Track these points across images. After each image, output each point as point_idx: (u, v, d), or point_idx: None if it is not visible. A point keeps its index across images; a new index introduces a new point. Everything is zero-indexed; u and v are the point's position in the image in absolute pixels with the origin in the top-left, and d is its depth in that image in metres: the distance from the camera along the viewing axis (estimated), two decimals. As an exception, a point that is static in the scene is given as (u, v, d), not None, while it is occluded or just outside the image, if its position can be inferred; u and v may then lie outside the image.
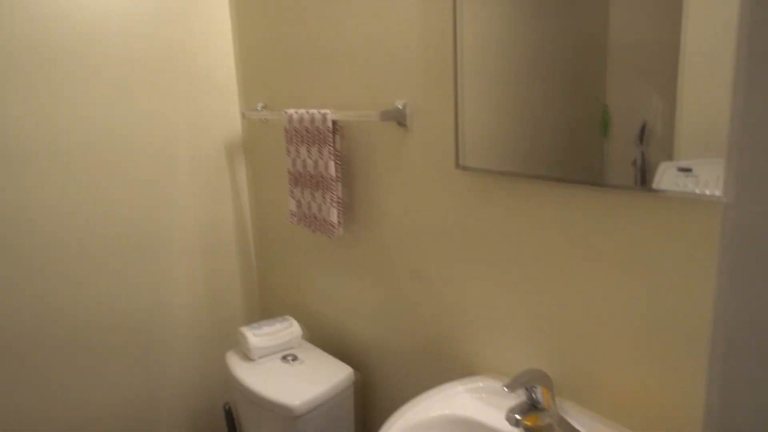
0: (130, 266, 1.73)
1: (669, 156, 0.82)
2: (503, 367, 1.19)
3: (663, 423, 0.92)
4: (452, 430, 1.07)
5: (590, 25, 0.88)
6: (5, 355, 1.54)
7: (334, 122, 1.39)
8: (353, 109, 1.43)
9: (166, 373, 1.86)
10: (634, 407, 0.96)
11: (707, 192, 0.78)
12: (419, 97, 1.25)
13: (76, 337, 1.66)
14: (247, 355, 1.61)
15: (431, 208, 1.28)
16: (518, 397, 0.98)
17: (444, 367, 1.34)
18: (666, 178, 0.83)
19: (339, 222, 1.45)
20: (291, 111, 1.51)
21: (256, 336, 1.59)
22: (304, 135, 1.48)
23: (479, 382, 1.16)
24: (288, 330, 1.64)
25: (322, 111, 1.41)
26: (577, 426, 0.96)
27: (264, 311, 2.07)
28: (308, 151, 1.47)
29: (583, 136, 0.92)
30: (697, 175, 0.80)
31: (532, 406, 0.94)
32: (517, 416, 0.92)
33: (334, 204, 1.44)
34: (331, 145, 1.40)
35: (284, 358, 1.60)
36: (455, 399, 1.13)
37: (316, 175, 1.47)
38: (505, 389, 0.94)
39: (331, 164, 1.41)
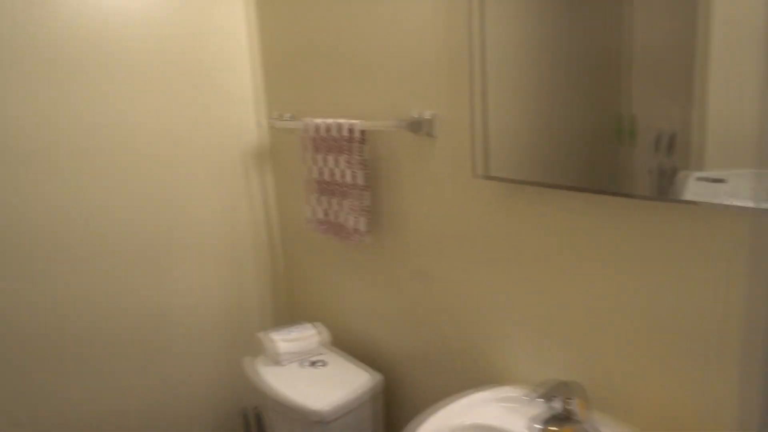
0: (152, 270, 1.76)
1: (694, 165, 0.82)
2: (531, 376, 1.19)
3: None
4: (481, 440, 1.08)
5: (611, 32, 0.88)
6: (23, 359, 1.57)
7: (359, 131, 1.40)
8: (376, 117, 1.44)
9: (187, 376, 1.89)
10: (667, 419, 0.96)
11: (735, 202, 0.78)
12: (443, 106, 1.26)
13: (97, 339, 1.68)
14: (273, 360, 1.63)
15: (455, 215, 1.29)
16: (550, 408, 0.98)
17: (469, 374, 1.35)
18: (691, 187, 0.83)
19: (363, 230, 1.46)
20: (317, 120, 1.53)
21: (283, 341, 1.61)
22: (329, 144, 1.49)
23: (509, 392, 1.16)
24: (314, 335, 1.66)
25: (348, 120, 1.42)
26: (610, 437, 0.97)
27: (289, 316, 2.09)
28: (334, 160, 1.49)
29: (605, 144, 0.92)
30: (724, 184, 0.79)
31: (565, 417, 0.94)
32: (552, 427, 0.92)
33: (361, 212, 1.45)
34: (357, 154, 1.41)
35: (310, 363, 1.61)
36: (482, 407, 1.14)
37: (341, 184, 1.49)
38: (539, 400, 0.94)
39: (357, 173, 1.42)
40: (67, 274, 1.60)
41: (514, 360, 1.23)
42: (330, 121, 1.49)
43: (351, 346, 1.76)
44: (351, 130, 1.41)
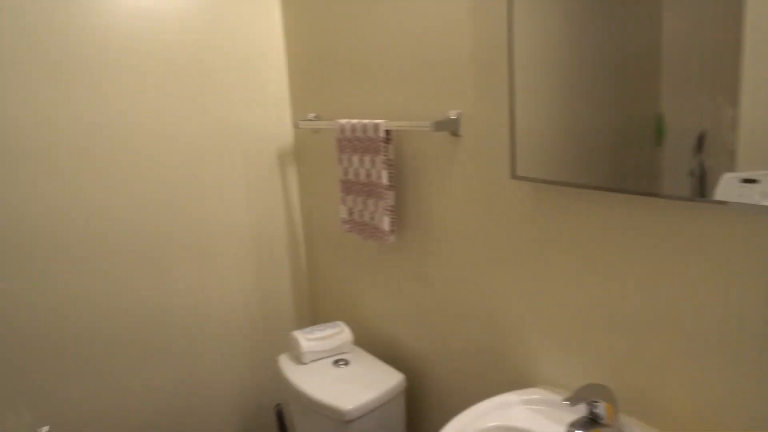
0: (182, 267, 1.79)
1: (726, 165, 0.80)
2: (559, 379, 1.18)
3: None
4: (509, 442, 1.07)
5: (642, 30, 0.87)
6: (58, 350, 1.61)
7: (386, 131, 1.41)
8: (404, 117, 1.44)
9: (215, 373, 1.92)
10: (697, 422, 0.94)
11: (769, 203, 0.76)
12: (471, 106, 1.25)
13: (127, 334, 1.72)
14: (298, 359, 1.64)
15: (481, 215, 1.29)
16: (578, 412, 0.97)
17: (494, 375, 1.35)
18: (728, 188, 0.80)
19: (391, 230, 1.47)
20: (343, 121, 1.54)
21: (308, 340, 1.62)
22: (356, 144, 1.50)
23: (535, 394, 1.16)
24: (339, 334, 1.67)
25: (375, 121, 1.42)
26: (639, 442, 0.95)
27: (314, 316, 2.11)
28: (360, 160, 1.49)
29: (635, 144, 0.90)
30: (758, 184, 0.77)
31: (593, 422, 0.93)
32: (579, 431, 0.91)
33: (387, 212, 1.45)
34: (384, 154, 1.41)
35: (335, 362, 1.62)
36: (510, 410, 1.13)
37: (368, 184, 1.49)
38: (566, 403, 0.93)
39: (384, 173, 1.43)
40: (111, 268, 1.65)
41: (540, 362, 1.22)
42: (355, 121, 1.49)
43: (374, 345, 1.77)
44: (377, 130, 1.41)
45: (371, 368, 1.58)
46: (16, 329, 1.53)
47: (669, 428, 0.99)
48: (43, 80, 1.49)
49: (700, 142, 0.83)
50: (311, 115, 1.81)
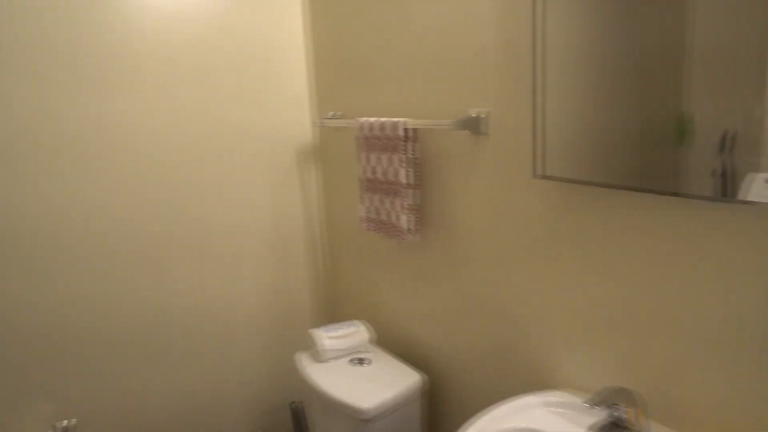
0: (202, 264, 1.81)
1: (756, 165, 0.78)
2: (580, 381, 1.16)
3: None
4: (529, 444, 1.06)
5: (672, 29, 0.85)
6: (74, 347, 1.64)
7: (408, 130, 1.40)
8: (427, 116, 1.44)
9: (234, 370, 1.93)
10: (726, 429, 0.92)
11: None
12: (495, 104, 1.24)
13: (147, 331, 1.74)
14: (317, 357, 1.64)
15: (506, 215, 1.27)
16: (600, 415, 0.95)
17: (516, 377, 1.33)
18: (754, 188, 0.79)
19: (412, 228, 1.46)
20: (366, 119, 1.54)
21: (327, 338, 1.62)
22: (377, 143, 1.50)
23: (556, 396, 1.14)
24: (358, 333, 1.67)
25: (397, 119, 1.42)
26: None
27: (333, 314, 2.11)
28: (381, 159, 1.49)
29: (664, 143, 0.89)
30: None
31: (615, 426, 0.92)
32: (602, 435, 0.90)
33: (409, 211, 1.45)
34: (405, 152, 1.41)
35: (354, 360, 1.62)
36: (530, 412, 1.12)
37: (390, 183, 1.49)
38: (587, 406, 0.92)
39: (405, 171, 1.42)
40: (132, 266, 1.68)
41: (561, 364, 1.20)
42: (375, 119, 1.49)
43: (393, 344, 1.77)
44: (396, 128, 1.41)
45: (390, 368, 1.58)
46: (19, 329, 1.54)
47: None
48: (71, 84, 1.52)
49: (731, 142, 0.81)
50: (332, 114, 1.81)
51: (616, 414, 0.92)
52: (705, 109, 0.82)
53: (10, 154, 1.47)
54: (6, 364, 1.52)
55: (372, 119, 1.51)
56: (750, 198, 0.79)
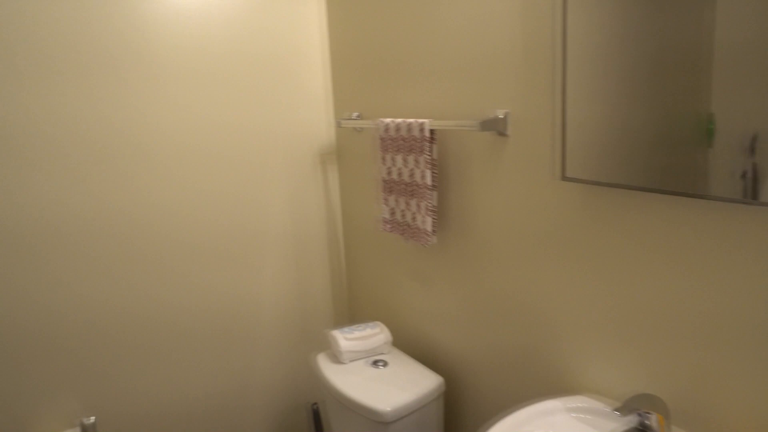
0: (221, 264, 1.82)
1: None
2: (606, 387, 1.14)
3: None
4: (553, 450, 1.05)
5: (695, 29, 0.84)
6: (97, 347, 1.65)
7: (429, 130, 1.39)
8: (448, 116, 1.43)
9: (253, 369, 1.93)
10: (758, 441, 0.90)
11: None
12: (516, 104, 1.23)
13: (168, 333, 1.75)
14: (336, 358, 1.64)
15: (528, 217, 1.26)
16: (628, 423, 0.94)
17: (538, 381, 1.31)
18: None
19: (433, 230, 1.45)
20: (387, 120, 1.53)
21: (347, 339, 1.62)
22: (399, 144, 1.49)
23: (580, 402, 1.12)
24: (377, 335, 1.66)
25: (419, 120, 1.41)
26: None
27: (352, 315, 2.11)
28: (403, 160, 1.48)
29: (687, 145, 0.87)
30: None
31: (643, 433, 0.90)
32: (631, 443, 0.88)
33: (429, 212, 1.44)
34: (428, 153, 1.40)
35: (373, 362, 1.62)
36: (553, 417, 1.10)
37: (410, 184, 1.48)
38: (616, 413, 0.90)
39: (427, 173, 1.41)
40: (154, 266, 1.69)
41: (586, 368, 1.18)
42: (399, 120, 1.48)
43: (412, 346, 1.76)
44: (421, 129, 1.40)
45: (409, 370, 1.57)
46: (73, 322, 1.58)
47: (725, 444, 0.94)
48: (73, 81, 1.53)
49: (756, 143, 0.79)
50: (353, 114, 1.81)
51: (645, 422, 0.91)
52: (731, 109, 0.81)
53: (31, 154, 1.48)
54: (35, 360, 1.54)
55: (396, 120, 1.50)
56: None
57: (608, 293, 1.11)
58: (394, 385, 1.50)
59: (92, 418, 1.59)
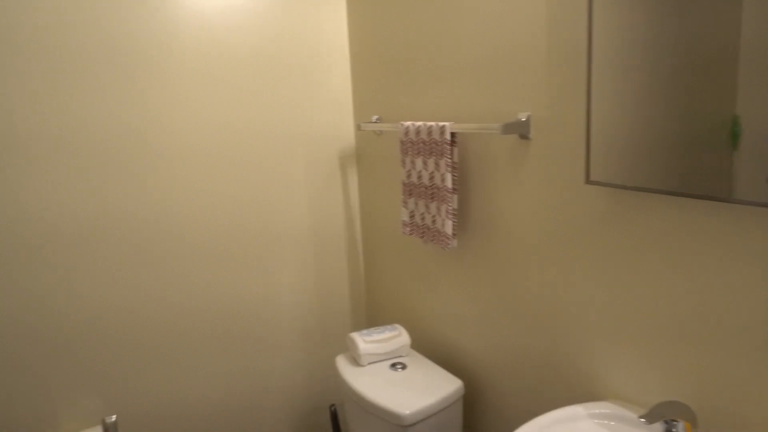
0: (241, 265, 1.83)
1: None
2: (631, 393, 1.13)
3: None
4: (577, 457, 1.03)
5: (721, 30, 0.83)
6: (119, 348, 1.67)
7: (450, 133, 1.39)
8: (470, 119, 1.42)
9: (273, 370, 1.94)
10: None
11: None
12: (542, 108, 1.22)
13: (190, 334, 1.77)
14: (356, 360, 1.64)
15: (552, 221, 1.25)
16: (654, 431, 0.92)
17: (561, 386, 1.30)
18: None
19: (454, 233, 1.45)
20: (407, 123, 1.53)
21: (366, 342, 1.62)
22: (420, 147, 1.49)
23: (604, 408, 1.11)
24: (397, 338, 1.66)
25: (440, 123, 1.41)
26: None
27: (371, 318, 2.11)
28: (424, 163, 1.48)
29: (713, 148, 0.86)
30: None
31: (671, 441, 0.89)
32: (657, 451, 0.87)
33: (450, 216, 1.43)
34: (448, 157, 1.40)
35: (392, 365, 1.61)
36: (577, 424, 1.09)
37: (431, 187, 1.48)
38: (642, 420, 0.89)
39: (448, 176, 1.41)
40: (174, 267, 1.70)
41: (610, 373, 1.17)
42: (420, 123, 1.48)
43: (432, 350, 1.75)
44: (443, 132, 1.40)
45: (429, 373, 1.56)
46: (98, 323, 1.61)
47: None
48: (96, 82, 1.56)
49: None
50: (374, 117, 1.81)
51: (672, 430, 0.89)
52: (757, 111, 0.80)
53: (39, 154, 1.49)
54: (58, 360, 1.56)
55: (416, 123, 1.50)
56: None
57: (633, 298, 1.09)
58: (413, 388, 1.49)
59: (113, 417, 1.60)
